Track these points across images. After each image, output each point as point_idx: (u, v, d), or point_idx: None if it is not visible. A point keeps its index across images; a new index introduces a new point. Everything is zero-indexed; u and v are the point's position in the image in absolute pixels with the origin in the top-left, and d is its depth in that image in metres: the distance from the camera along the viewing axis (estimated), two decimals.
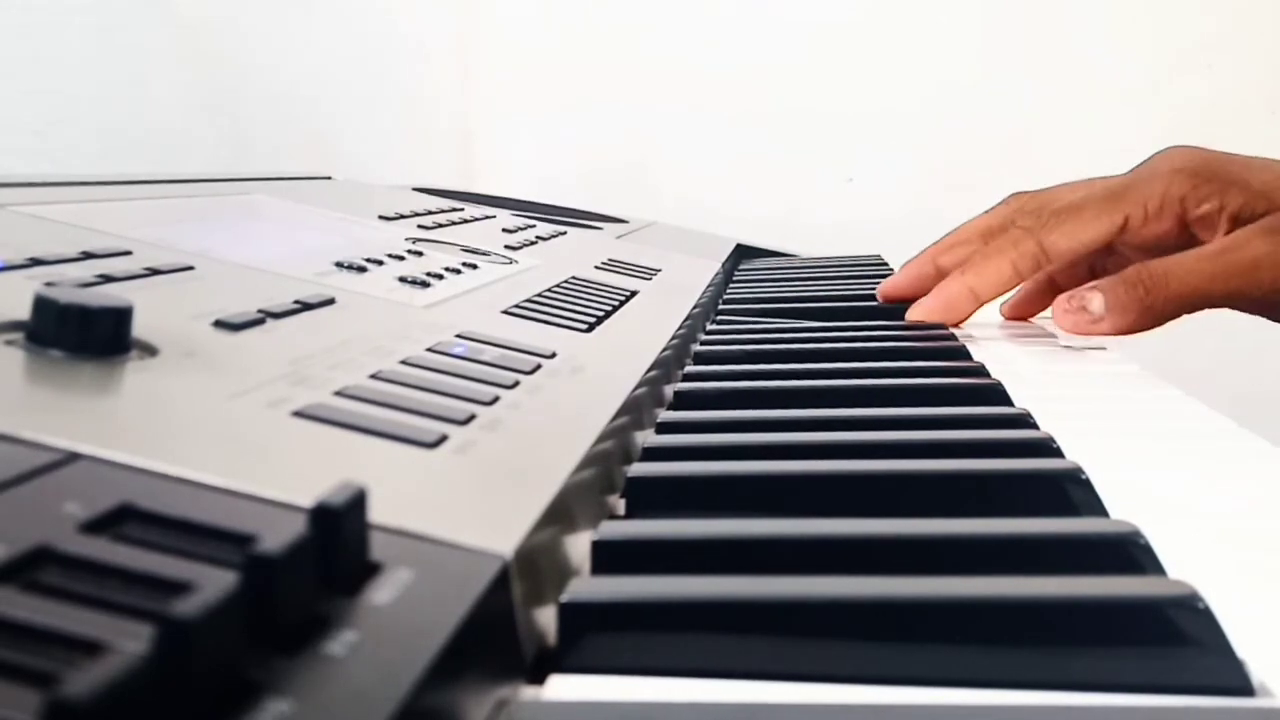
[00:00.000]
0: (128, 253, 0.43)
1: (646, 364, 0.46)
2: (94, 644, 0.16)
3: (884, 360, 0.55)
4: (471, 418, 0.31)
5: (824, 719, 0.22)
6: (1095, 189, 0.64)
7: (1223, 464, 0.39)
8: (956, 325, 0.66)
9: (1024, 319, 0.72)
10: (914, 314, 0.66)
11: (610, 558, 0.28)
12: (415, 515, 0.24)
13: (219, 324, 0.35)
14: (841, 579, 0.26)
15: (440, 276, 0.55)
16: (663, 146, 1.43)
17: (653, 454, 0.37)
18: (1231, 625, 0.24)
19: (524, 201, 1.14)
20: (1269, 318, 0.62)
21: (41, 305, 0.29)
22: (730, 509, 0.33)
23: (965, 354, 0.56)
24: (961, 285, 0.64)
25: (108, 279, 0.38)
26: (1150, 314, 0.59)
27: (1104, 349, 0.61)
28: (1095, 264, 0.67)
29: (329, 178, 0.96)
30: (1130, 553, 0.28)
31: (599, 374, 0.43)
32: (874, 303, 0.73)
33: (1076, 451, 0.37)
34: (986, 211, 0.69)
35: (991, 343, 0.62)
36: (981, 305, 0.65)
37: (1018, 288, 0.69)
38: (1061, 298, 0.62)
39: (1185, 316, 0.61)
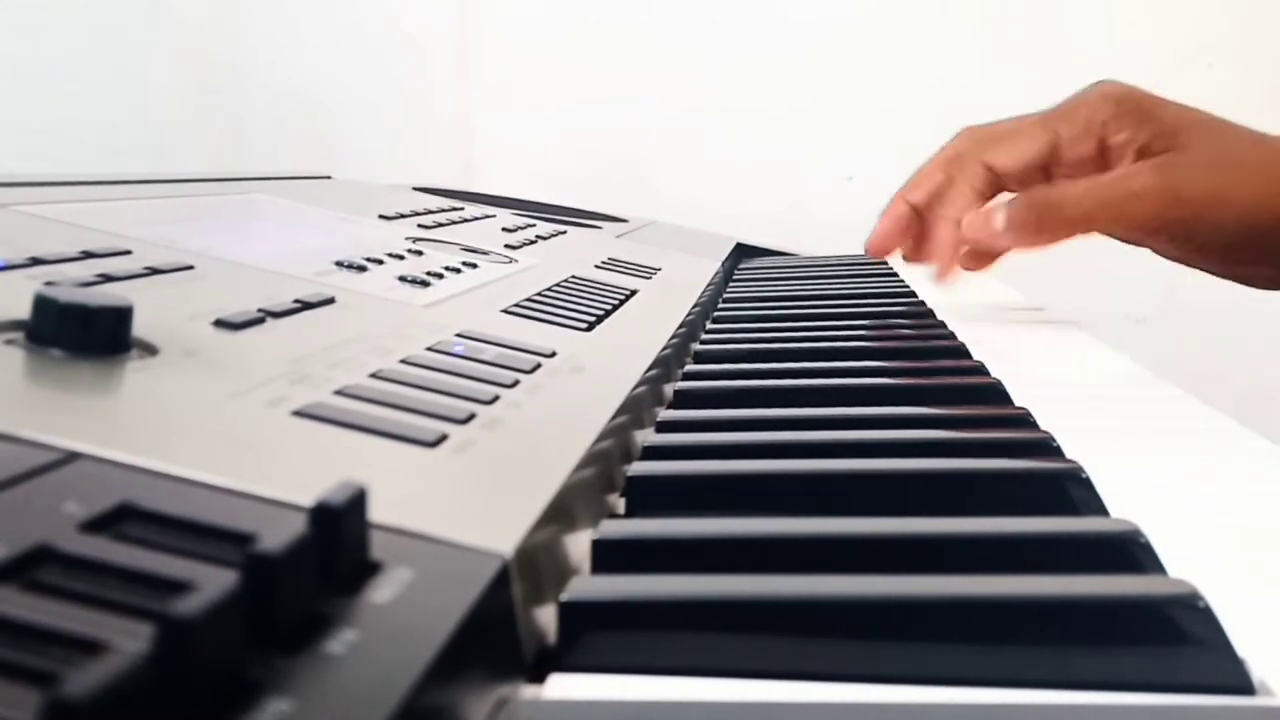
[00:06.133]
0: (128, 252, 0.43)
1: (646, 363, 0.46)
2: (94, 643, 0.16)
3: (884, 359, 0.55)
4: (471, 417, 0.31)
5: (824, 718, 0.22)
6: (1034, 114, 0.71)
7: (1223, 463, 0.39)
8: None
9: None
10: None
11: (610, 557, 0.28)
12: (415, 514, 0.24)
13: (219, 323, 0.35)
14: (841, 578, 0.26)
15: (440, 276, 0.55)
16: (663, 145, 1.43)
17: (653, 453, 0.37)
18: (1232, 624, 0.24)
19: (524, 201, 1.14)
20: (1153, 249, 0.68)
21: (42, 304, 0.29)
22: (730, 508, 0.33)
23: (965, 352, 0.56)
24: (942, 221, 0.70)
25: (108, 278, 0.38)
26: (1045, 234, 0.66)
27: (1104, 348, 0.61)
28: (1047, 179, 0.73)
29: (329, 177, 0.96)
30: (1131, 551, 0.28)
31: (599, 373, 0.43)
32: (874, 302, 0.73)
33: (1077, 451, 0.36)
34: (943, 148, 0.75)
35: (991, 341, 0.62)
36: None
37: None
38: (970, 214, 0.68)
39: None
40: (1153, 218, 0.64)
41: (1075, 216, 0.65)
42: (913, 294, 0.76)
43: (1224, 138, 0.66)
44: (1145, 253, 0.69)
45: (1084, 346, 0.63)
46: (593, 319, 0.53)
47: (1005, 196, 0.69)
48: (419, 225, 0.73)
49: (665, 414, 0.44)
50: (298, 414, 0.28)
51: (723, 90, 1.42)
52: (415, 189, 1.05)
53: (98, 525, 0.20)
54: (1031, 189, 0.68)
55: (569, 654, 0.24)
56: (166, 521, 0.21)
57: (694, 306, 0.66)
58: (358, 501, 0.20)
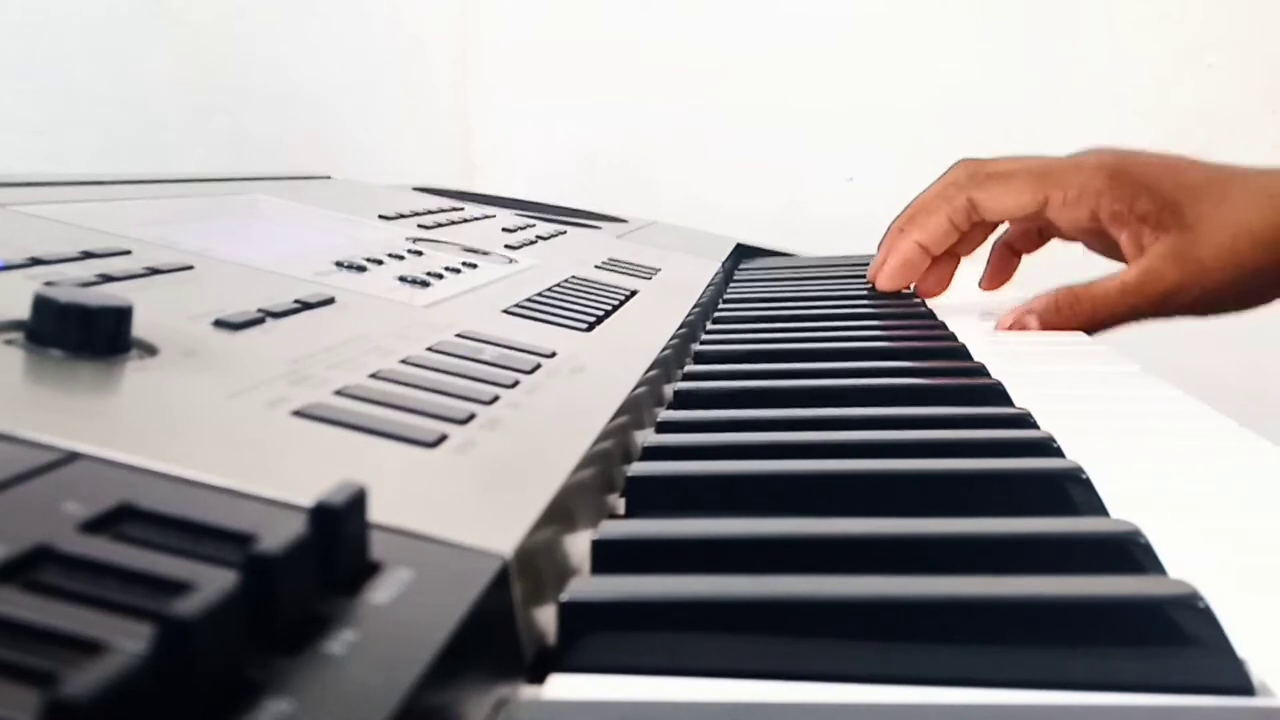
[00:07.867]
0: (128, 252, 0.43)
1: (646, 363, 0.46)
2: (94, 644, 0.16)
3: (884, 360, 0.55)
4: (471, 417, 0.31)
5: (824, 718, 0.22)
6: (1031, 164, 0.72)
7: (1223, 464, 0.39)
8: (931, 292, 0.76)
9: (999, 287, 0.81)
10: (881, 283, 0.74)
11: (610, 557, 0.28)
12: (415, 515, 0.24)
13: (219, 323, 0.35)
14: (841, 578, 0.26)
15: (440, 276, 0.55)
16: (663, 145, 1.43)
17: (653, 453, 0.37)
18: (1232, 624, 0.24)
19: (524, 201, 1.14)
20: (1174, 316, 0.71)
21: (41, 305, 0.29)
22: (730, 508, 0.33)
23: (965, 354, 0.56)
24: (909, 242, 0.73)
25: (108, 278, 0.38)
26: (1076, 329, 0.68)
27: (1101, 347, 0.61)
28: (1042, 228, 0.76)
29: (329, 177, 0.96)
30: (1130, 552, 0.28)
31: (599, 373, 0.43)
32: (874, 302, 0.73)
33: (1077, 451, 0.36)
34: (938, 179, 0.76)
35: (991, 342, 0.62)
36: (932, 257, 0.73)
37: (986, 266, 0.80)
38: (1005, 318, 0.69)
39: (1180, 318, 0.70)
40: (1183, 308, 0.68)
41: (1108, 318, 0.68)
42: (913, 294, 0.76)
43: (1229, 203, 0.67)
44: None
45: (1084, 347, 0.63)
46: (593, 319, 0.53)
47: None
48: (419, 225, 0.73)
49: (665, 414, 0.44)
50: (298, 414, 0.28)
51: (722, 90, 1.42)
52: (415, 189, 1.05)
53: (98, 525, 0.20)
54: (1060, 290, 0.69)
55: (569, 654, 0.24)
56: (166, 522, 0.21)
57: (694, 307, 0.66)
58: (358, 501, 0.20)
